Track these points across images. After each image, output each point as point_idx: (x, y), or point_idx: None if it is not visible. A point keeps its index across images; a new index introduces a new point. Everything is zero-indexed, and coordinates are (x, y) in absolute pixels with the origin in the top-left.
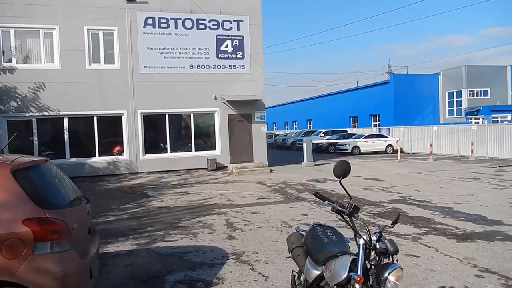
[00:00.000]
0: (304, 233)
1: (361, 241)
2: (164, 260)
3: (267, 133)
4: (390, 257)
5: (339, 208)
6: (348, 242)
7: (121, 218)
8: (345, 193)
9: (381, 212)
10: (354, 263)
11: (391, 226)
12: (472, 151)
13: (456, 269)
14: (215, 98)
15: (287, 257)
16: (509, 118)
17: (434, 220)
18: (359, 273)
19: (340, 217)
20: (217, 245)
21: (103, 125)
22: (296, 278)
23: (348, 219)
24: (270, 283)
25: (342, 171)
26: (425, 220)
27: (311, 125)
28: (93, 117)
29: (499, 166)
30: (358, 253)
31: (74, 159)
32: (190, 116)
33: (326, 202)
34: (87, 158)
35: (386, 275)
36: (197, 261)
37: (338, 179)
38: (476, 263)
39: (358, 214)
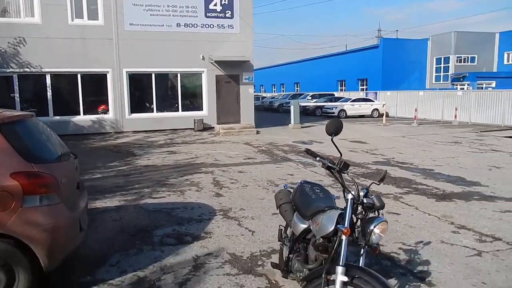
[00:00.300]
0: (291, 190)
1: (349, 196)
2: (152, 215)
3: (254, 96)
4: (376, 211)
5: (329, 164)
6: (334, 199)
7: (108, 176)
8: (329, 154)
9: (365, 173)
10: (341, 217)
11: (378, 183)
12: (455, 116)
13: (434, 225)
14: (203, 58)
15: (273, 214)
16: (493, 85)
17: (415, 181)
18: (346, 225)
19: (330, 173)
20: (205, 202)
21: (87, 83)
22: (283, 232)
23: (337, 175)
24: (257, 237)
25: (334, 129)
26: (406, 180)
27: (298, 88)
28: (76, 74)
29: (480, 131)
30: (345, 207)
31: (57, 117)
32: (177, 76)
33: (318, 158)
34: (71, 116)
35: (371, 227)
36: (185, 217)
37: (330, 137)
38: (453, 220)
39: (348, 170)
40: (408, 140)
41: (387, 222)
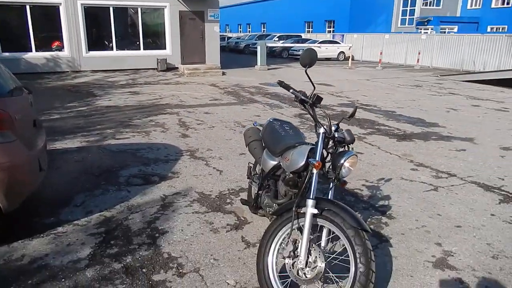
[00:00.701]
0: (261, 128)
1: (321, 130)
2: (117, 156)
3: (220, 36)
4: (346, 146)
5: (303, 97)
6: (304, 137)
7: (67, 117)
8: (297, 91)
9: (330, 115)
10: (312, 151)
11: (348, 119)
12: (418, 61)
13: (395, 164)
14: None
15: (240, 154)
16: (455, 30)
17: (378, 122)
18: (317, 159)
19: (302, 107)
20: (171, 143)
21: (37, 17)
22: (252, 169)
23: (310, 110)
24: (225, 176)
25: (309, 60)
26: (370, 122)
27: (265, 29)
28: (24, 6)
29: (440, 76)
30: (317, 141)
31: (7, 54)
32: (137, 11)
33: (291, 91)
34: (22, 53)
35: (342, 161)
36: (151, 157)
37: (304, 68)
38: (412, 159)
39: (320, 104)
40: (372, 83)
41: (357, 156)
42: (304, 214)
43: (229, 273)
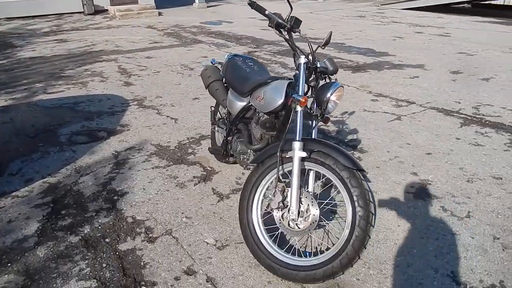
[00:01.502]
0: (220, 66)
1: (302, 60)
2: (52, 112)
3: None
4: (328, 77)
5: (279, 21)
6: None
7: None
8: (241, 34)
9: (281, 51)
10: (290, 86)
11: (323, 47)
12: None
13: (354, 96)
14: None
15: (194, 99)
16: None
17: (330, 55)
18: (300, 93)
19: (278, 32)
20: (113, 93)
21: None
22: (215, 113)
23: (287, 35)
24: (181, 125)
25: None
26: (322, 55)
27: None
28: None
29: (380, 5)
30: (298, 74)
31: None
32: None
33: (266, 12)
34: None
35: (328, 95)
36: (93, 111)
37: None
38: (370, 89)
39: (299, 29)
40: (316, 16)
41: (343, 87)
42: (290, 159)
43: (205, 231)
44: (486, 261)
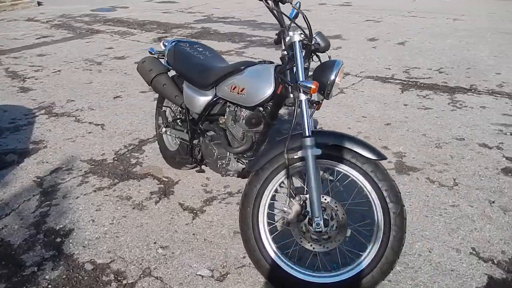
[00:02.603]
0: (161, 56)
1: (297, 37)
2: None
3: None
4: (316, 55)
5: None
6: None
7: None
8: (142, 19)
9: (193, 34)
10: (280, 72)
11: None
12: None
13: None
14: None
15: (115, 97)
16: None
17: (246, 34)
18: (301, 78)
19: (265, 3)
20: (9, 103)
21: None
22: (166, 113)
23: (275, 8)
24: (110, 131)
25: None
26: (238, 35)
27: None
28: None
29: None
30: (294, 53)
31: None
32: None
33: None
34: None
35: (333, 77)
36: None
37: None
38: None
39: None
40: None
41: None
42: (300, 159)
43: (193, 261)
44: (496, 229)
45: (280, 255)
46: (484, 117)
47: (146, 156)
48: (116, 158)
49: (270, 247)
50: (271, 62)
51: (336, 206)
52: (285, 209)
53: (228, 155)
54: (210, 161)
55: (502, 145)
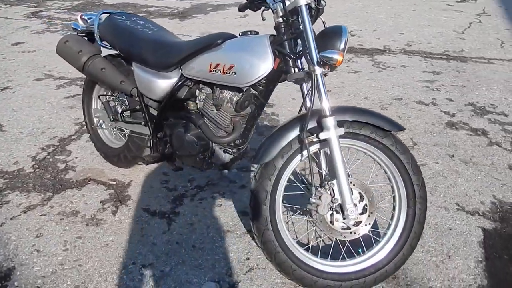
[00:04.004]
0: (87, 32)
1: (303, 0)
2: None
3: None
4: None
5: None
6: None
7: None
8: None
9: (74, 5)
10: (277, 42)
11: None
12: None
13: None
14: None
15: (2, 89)
16: None
17: (140, 4)
18: (313, 49)
19: None
20: None
21: None
22: (114, 104)
23: None
24: (15, 132)
25: None
26: (131, 6)
27: None
28: None
29: None
30: (301, 20)
31: None
32: None
33: None
34: None
35: (342, 45)
36: None
37: None
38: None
39: None
40: None
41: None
42: (318, 142)
43: (191, 275)
44: (467, 181)
45: (306, 253)
46: (408, 76)
47: (76, 157)
48: (37, 166)
49: (294, 246)
50: (256, 32)
51: (362, 187)
52: (314, 200)
53: (211, 146)
54: (187, 155)
55: (435, 101)
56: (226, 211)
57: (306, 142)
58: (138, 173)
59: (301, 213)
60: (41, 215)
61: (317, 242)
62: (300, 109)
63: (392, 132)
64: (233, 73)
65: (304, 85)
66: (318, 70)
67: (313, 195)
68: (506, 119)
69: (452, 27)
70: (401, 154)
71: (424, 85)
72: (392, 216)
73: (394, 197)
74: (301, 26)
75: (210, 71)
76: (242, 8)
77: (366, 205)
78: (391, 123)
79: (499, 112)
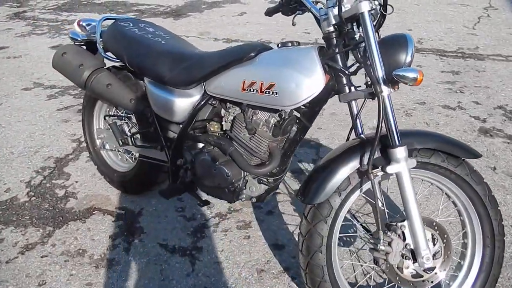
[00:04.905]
0: (87, 42)
1: (365, 6)
2: None
3: None
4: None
5: None
6: None
7: None
8: None
9: (60, 5)
10: (328, 56)
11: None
12: None
13: (204, 47)
14: None
15: None
16: None
17: (131, 2)
18: (378, 65)
19: None
20: None
21: None
22: (121, 123)
23: None
24: (6, 151)
25: None
26: (121, 4)
27: None
28: None
29: None
30: (363, 29)
31: None
32: None
33: None
34: None
35: (409, 58)
36: None
37: None
38: (215, 36)
39: None
40: None
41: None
42: (384, 176)
43: None
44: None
45: None
46: (427, 77)
47: (76, 181)
48: (32, 193)
49: None
50: (298, 43)
51: (435, 226)
52: (382, 248)
53: (243, 175)
54: (214, 187)
55: (462, 104)
56: (256, 245)
57: (372, 177)
58: (149, 199)
59: (357, 258)
60: (42, 257)
61: (366, 281)
62: (349, 134)
63: (465, 159)
64: (274, 93)
65: (353, 104)
66: (387, 91)
67: (381, 240)
68: None
69: (461, 22)
70: (477, 185)
71: (446, 86)
72: (464, 255)
73: (465, 233)
74: (356, 36)
75: (244, 90)
76: (271, 13)
77: (440, 247)
78: (465, 149)
79: None
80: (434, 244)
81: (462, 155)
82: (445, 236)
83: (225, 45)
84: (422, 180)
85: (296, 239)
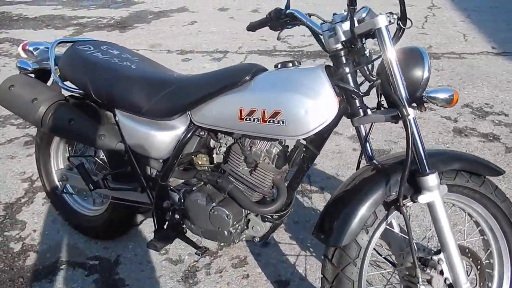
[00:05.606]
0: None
1: (383, 21)
2: None
3: None
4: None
5: None
6: None
7: None
8: None
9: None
10: (338, 76)
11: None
12: None
13: (164, 59)
14: None
15: None
16: None
17: (68, 15)
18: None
19: None
20: None
21: None
22: (85, 165)
23: None
24: None
25: None
26: (57, 18)
27: None
28: None
29: None
30: (380, 45)
31: None
32: None
33: None
34: None
35: (426, 73)
36: None
37: None
38: (167, 47)
39: None
40: None
41: None
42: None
43: None
44: None
45: None
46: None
47: (34, 230)
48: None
49: None
50: (299, 63)
51: (469, 254)
52: (423, 287)
53: (244, 214)
54: (212, 230)
55: (430, 105)
56: (257, 284)
57: (405, 210)
58: (125, 243)
59: None
60: None
61: None
62: (360, 159)
63: (487, 176)
64: (281, 122)
65: (362, 128)
66: (412, 113)
67: (419, 279)
68: (509, 119)
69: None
70: (501, 202)
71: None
72: (491, 276)
73: (490, 253)
74: (366, 52)
75: (242, 119)
76: (255, 27)
77: (475, 274)
78: (488, 167)
79: (498, 112)
80: (469, 273)
81: (486, 173)
82: (479, 262)
83: (180, 57)
84: (444, 202)
85: (299, 271)
